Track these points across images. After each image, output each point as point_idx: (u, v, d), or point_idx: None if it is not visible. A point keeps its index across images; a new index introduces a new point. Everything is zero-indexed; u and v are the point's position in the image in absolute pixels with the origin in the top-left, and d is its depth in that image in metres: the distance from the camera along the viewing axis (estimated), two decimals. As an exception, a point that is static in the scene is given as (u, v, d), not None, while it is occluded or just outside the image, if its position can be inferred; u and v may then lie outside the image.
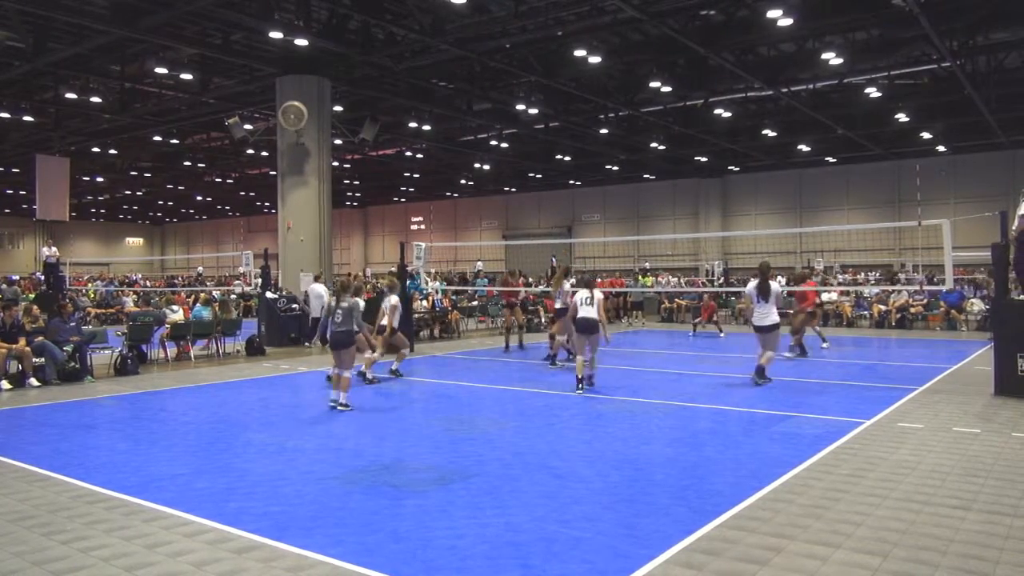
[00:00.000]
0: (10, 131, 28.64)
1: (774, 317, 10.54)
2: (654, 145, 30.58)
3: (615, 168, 37.97)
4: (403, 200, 51.82)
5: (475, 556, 4.37)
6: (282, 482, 5.97)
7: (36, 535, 4.81)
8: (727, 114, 26.26)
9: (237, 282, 28.95)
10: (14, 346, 11.26)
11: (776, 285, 11.25)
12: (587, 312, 10.00)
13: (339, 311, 8.99)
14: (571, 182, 43.57)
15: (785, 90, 22.01)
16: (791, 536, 4.62)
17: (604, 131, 28.18)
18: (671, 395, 10.04)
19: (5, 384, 10.96)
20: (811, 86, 22.73)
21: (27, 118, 26.12)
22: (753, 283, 10.88)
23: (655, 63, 21.49)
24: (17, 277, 34.55)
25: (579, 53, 18.94)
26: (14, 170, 36.10)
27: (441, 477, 6.07)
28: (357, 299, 9.33)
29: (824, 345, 15.23)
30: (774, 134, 28.92)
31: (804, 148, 32.30)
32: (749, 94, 24.10)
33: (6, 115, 25.61)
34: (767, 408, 8.99)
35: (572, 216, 45.18)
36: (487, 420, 8.57)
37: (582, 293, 10.20)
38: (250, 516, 5.09)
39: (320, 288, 16.57)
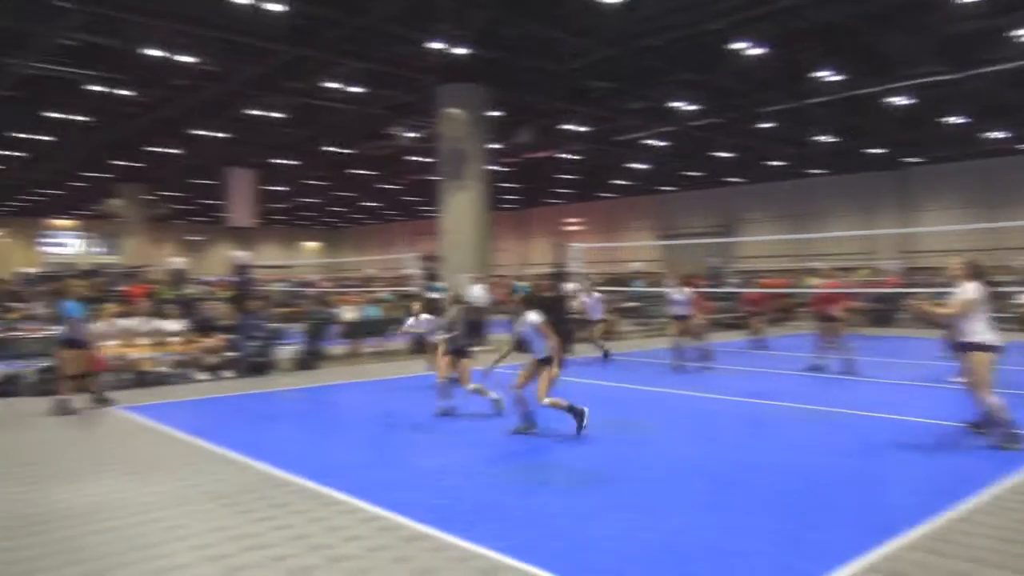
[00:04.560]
0: (207, 147, 31.80)
1: None
2: (821, 138, 28.89)
3: (777, 164, 36.25)
4: (559, 202, 52.24)
5: (634, 560, 4.35)
6: (443, 476, 6.21)
7: (231, 512, 5.31)
8: (903, 101, 24.30)
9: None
10: (209, 340, 12.50)
11: None
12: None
13: None
14: (729, 179, 42.07)
15: (970, 72, 20.04)
16: (983, 560, 4.22)
17: (765, 125, 26.96)
18: (845, 402, 9.43)
19: (203, 375, 12.18)
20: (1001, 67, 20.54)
21: (220, 134, 28.89)
22: None
23: (820, 51, 20.29)
24: (211, 278, 38.05)
25: (737, 46, 18.26)
26: (208, 182, 39.97)
27: (599, 478, 6.07)
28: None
29: None
30: (960, 121, 26.41)
31: (995, 135, 29.26)
32: (929, 79, 22.18)
33: (204, 132, 28.46)
34: (954, 420, 8.21)
35: (731, 214, 43.62)
36: (647, 422, 8.47)
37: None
38: (417, 507, 5.32)
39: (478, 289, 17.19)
